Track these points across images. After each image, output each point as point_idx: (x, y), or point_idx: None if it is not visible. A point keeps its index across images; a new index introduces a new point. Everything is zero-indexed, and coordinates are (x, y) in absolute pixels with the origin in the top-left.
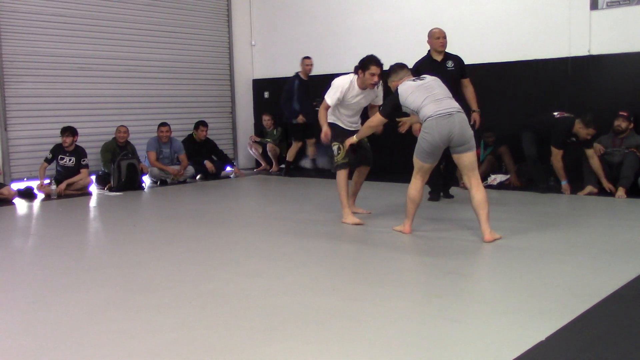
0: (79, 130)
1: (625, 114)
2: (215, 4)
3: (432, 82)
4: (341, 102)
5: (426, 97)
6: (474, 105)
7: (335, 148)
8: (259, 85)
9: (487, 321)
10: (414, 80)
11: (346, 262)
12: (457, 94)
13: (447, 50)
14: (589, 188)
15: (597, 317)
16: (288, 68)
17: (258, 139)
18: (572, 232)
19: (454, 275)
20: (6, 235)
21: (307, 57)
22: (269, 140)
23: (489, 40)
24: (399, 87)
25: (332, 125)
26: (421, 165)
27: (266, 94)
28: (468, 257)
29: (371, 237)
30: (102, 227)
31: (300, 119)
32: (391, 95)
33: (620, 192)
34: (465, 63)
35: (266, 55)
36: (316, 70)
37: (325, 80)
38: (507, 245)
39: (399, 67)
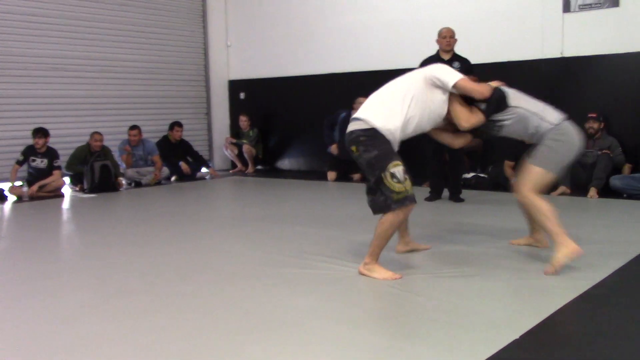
0: (51, 132)
1: (594, 115)
2: (190, 4)
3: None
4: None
5: (536, 102)
6: None
7: (397, 170)
8: (235, 86)
9: (465, 320)
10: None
11: (325, 263)
12: None
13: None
14: (562, 188)
15: (569, 316)
16: (264, 69)
17: (234, 141)
18: (544, 232)
19: (430, 276)
20: None
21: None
22: (245, 141)
23: (463, 43)
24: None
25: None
26: (549, 177)
27: (242, 95)
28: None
29: (351, 238)
30: (75, 230)
31: (334, 149)
32: (496, 95)
33: (592, 192)
34: None
35: (242, 56)
36: (294, 72)
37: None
38: (484, 244)
39: None
